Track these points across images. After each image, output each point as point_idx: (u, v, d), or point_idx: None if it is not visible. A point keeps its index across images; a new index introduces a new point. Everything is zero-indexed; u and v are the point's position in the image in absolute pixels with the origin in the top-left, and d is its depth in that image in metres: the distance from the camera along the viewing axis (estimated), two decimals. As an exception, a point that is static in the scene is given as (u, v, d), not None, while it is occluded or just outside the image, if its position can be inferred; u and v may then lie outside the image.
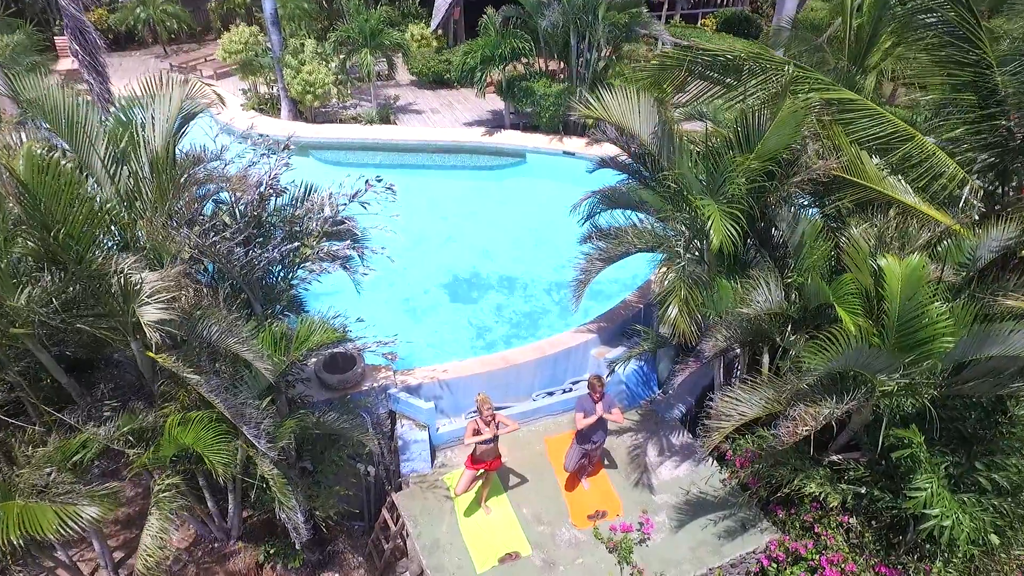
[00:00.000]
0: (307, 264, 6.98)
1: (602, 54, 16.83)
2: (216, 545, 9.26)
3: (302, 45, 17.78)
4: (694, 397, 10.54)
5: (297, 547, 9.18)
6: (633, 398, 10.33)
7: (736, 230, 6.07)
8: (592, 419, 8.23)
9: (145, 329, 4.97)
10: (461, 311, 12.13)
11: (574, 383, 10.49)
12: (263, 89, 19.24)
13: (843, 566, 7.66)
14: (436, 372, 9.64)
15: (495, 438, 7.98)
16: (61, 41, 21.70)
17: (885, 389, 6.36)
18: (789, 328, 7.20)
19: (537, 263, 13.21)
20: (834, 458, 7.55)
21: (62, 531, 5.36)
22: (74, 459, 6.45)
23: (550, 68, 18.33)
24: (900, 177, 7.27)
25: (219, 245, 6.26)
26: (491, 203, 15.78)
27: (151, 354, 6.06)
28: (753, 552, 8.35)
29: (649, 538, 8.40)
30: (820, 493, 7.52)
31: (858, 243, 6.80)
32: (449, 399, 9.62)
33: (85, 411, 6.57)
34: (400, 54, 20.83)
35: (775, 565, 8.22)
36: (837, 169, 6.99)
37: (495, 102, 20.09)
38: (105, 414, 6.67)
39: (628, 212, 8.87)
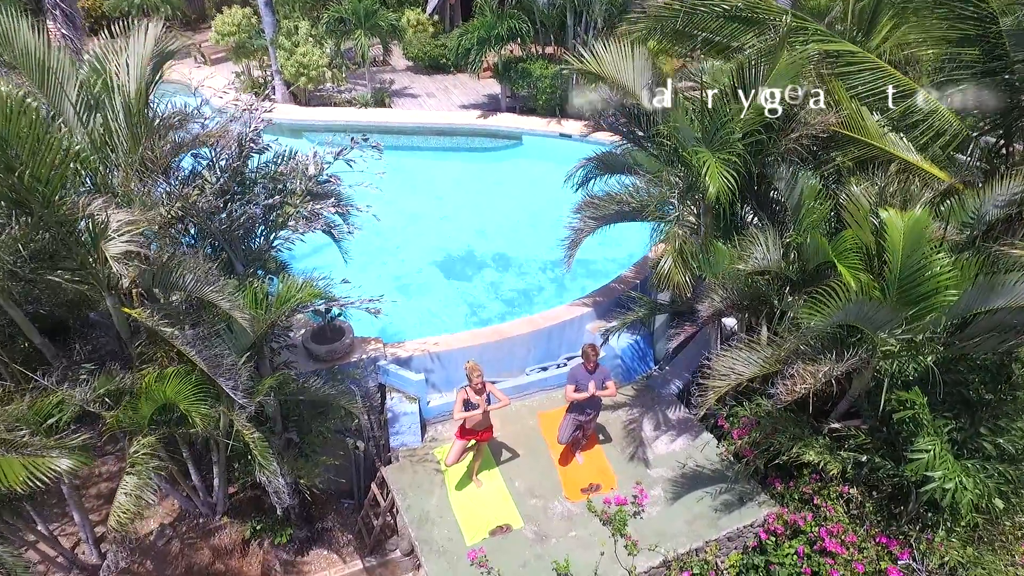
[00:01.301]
0: (291, 223, 6.77)
1: (600, 33, 16.60)
2: (201, 520, 9.05)
3: (296, 27, 17.56)
4: (691, 372, 10.33)
5: (283, 520, 9.00)
6: (629, 373, 10.12)
7: (733, 180, 5.85)
8: (584, 395, 8.02)
9: (112, 264, 4.75)
10: (455, 288, 11.92)
11: (569, 358, 10.27)
12: (257, 72, 19.03)
13: (843, 537, 7.45)
14: (427, 344, 9.43)
15: (487, 402, 7.79)
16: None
17: (887, 349, 6.15)
18: (787, 290, 6.99)
19: (533, 242, 13.00)
20: (834, 425, 7.33)
21: (31, 483, 5.14)
22: (49, 421, 6.25)
23: (547, 52, 18.12)
24: (902, 135, 7.05)
25: (198, 200, 6.05)
26: (487, 184, 15.58)
27: (127, 309, 5.86)
28: (751, 525, 8.15)
29: (644, 511, 8.15)
30: (819, 462, 7.30)
31: (859, 200, 6.58)
32: (440, 372, 9.41)
33: (60, 372, 6.35)
34: (396, 40, 20.63)
35: (773, 538, 8.00)
36: (836, 125, 6.77)
37: (491, 86, 19.89)
38: (82, 378, 6.47)
39: (623, 180, 8.66)
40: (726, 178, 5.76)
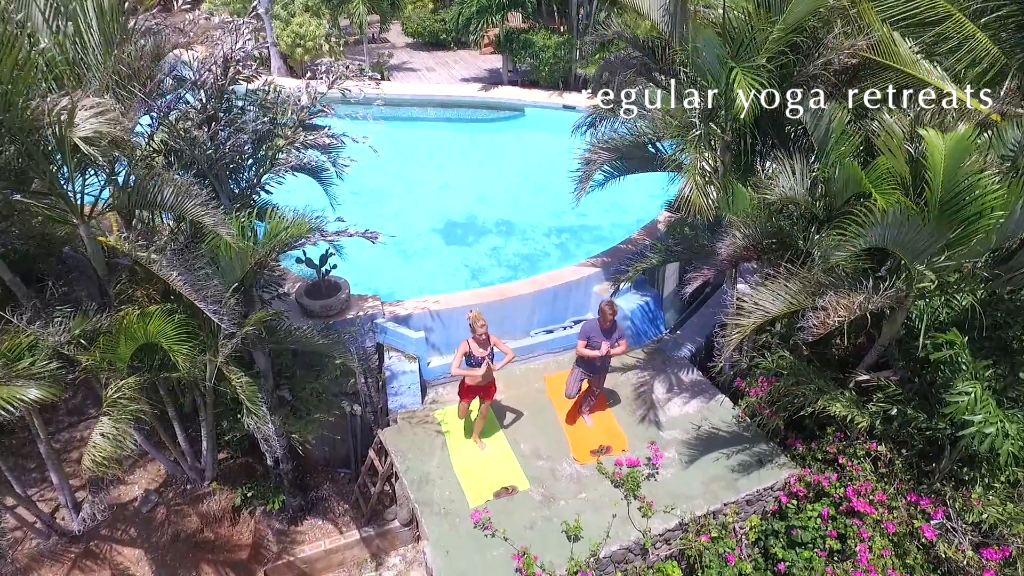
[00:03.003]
0: (281, 157, 6.30)
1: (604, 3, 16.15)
2: (189, 487, 8.58)
3: (292, -2, 17.12)
4: (704, 337, 9.88)
5: (276, 487, 8.54)
6: (639, 336, 9.66)
7: (757, 100, 5.39)
8: (596, 354, 7.59)
9: (79, 145, 4.27)
10: (455, 253, 11.45)
11: (576, 321, 9.80)
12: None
13: (871, 496, 6.99)
14: (427, 303, 8.95)
15: (488, 364, 7.31)
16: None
17: (923, 286, 5.69)
18: (813, 230, 6.52)
19: (536, 209, 12.56)
20: (863, 377, 6.86)
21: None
22: (22, 363, 5.77)
23: (549, 27, 17.67)
24: (935, 64, 6.59)
25: (179, 124, 5.58)
26: (488, 154, 15.13)
27: (102, 239, 5.39)
28: (771, 488, 7.68)
29: (658, 472, 7.72)
30: (847, 415, 6.83)
31: (891, 128, 6.13)
32: (441, 332, 8.93)
33: (32, 312, 5.87)
34: (395, 17, 20.18)
35: (795, 502, 7.54)
36: (865, 50, 6.31)
37: (492, 62, 19.47)
38: (56, 321, 6.00)
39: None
40: (755, 89, 5.30)
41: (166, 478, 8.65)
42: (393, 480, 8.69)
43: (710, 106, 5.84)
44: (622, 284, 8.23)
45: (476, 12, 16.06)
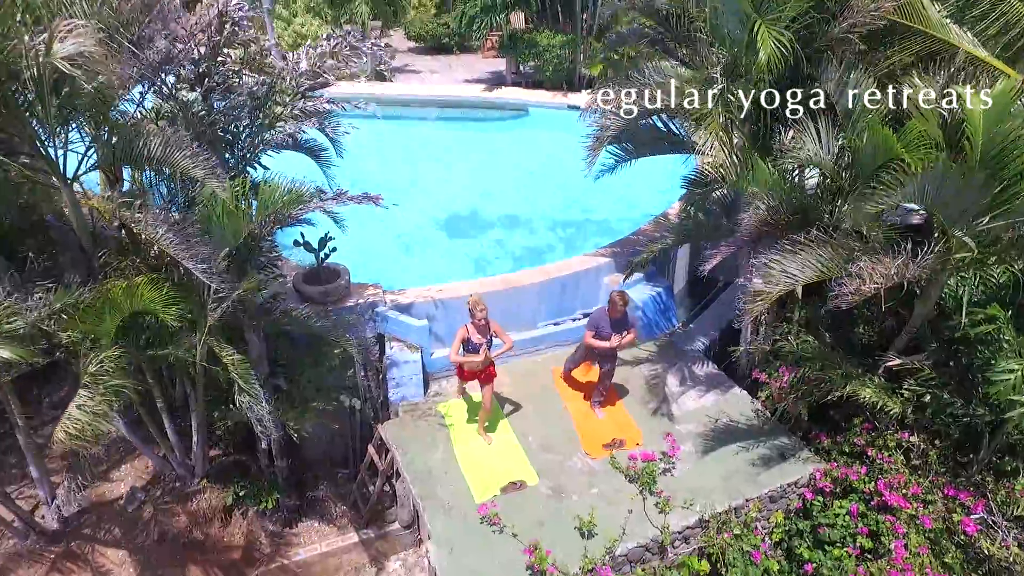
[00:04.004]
0: (279, 125, 5.97)
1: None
2: (177, 484, 8.11)
3: (294, -2, 17.01)
4: (718, 331, 9.48)
5: (271, 485, 8.09)
6: (651, 328, 9.26)
7: (782, 53, 5.07)
8: (604, 345, 7.26)
9: (60, 66, 3.91)
10: (459, 246, 11.10)
11: (585, 314, 9.40)
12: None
13: (905, 490, 6.54)
14: (430, 292, 8.57)
15: (487, 348, 6.97)
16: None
17: (963, 256, 5.32)
18: (839, 203, 6.17)
19: (541, 202, 12.23)
20: (893, 362, 6.45)
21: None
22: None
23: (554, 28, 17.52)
24: (965, 29, 6.28)
25: (173, 85, 5.26)
26: (493, 151, 14.86)
27: (86, 201, 5.03)
28: (795, 484, 7.23)
29: (675, 466, 7.28)
30: (877, 402, 6.42)
31: (923, 92, 5.80)
32: (445, 322, 8.53)
33: (10, 284, 5.48)
34: (397, 22, 20.09)
35: (820, 499, 7.09)
36: (891, 13, 6.01)
37: (495, 65, 19.33)
38: (36, 295, 5.61)
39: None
40: (779, 43, 4.98)
41: (154, 475, 8.18)
42: (394, 479, 8.24)
43: (730, 68, 5.51)
44: (635, 267, 7.84)
45: (480, 11, 15.88)
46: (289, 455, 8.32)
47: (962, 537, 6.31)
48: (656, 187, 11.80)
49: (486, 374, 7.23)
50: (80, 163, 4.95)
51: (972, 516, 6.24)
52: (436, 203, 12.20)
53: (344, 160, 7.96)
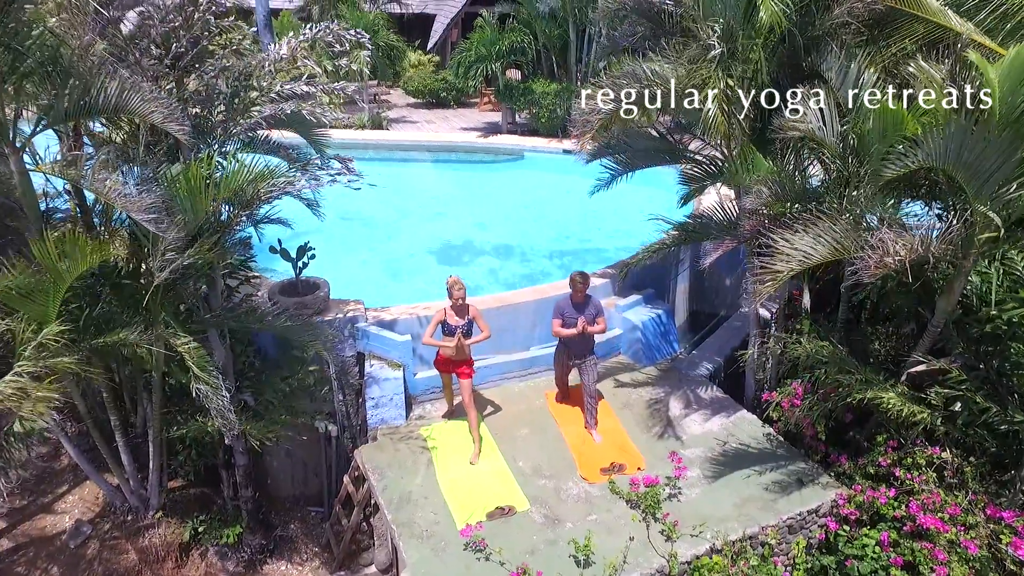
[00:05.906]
0: (255, 110, 5.68)
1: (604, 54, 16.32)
2: (129, 518, 7.30)
3: (294, 49, 17.34)
4: (723, 357, 8.91)
5: (234, 517, 7.30)
6: (651, 351, 8.69)
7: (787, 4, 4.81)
8: (572, 332, 6.86)
9: None
10: (450, 272, 10.66)
11: (581, 337, 8.86)
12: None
13: (943, 512, 5.80)
14: (416, 309, 8.07)
15: (466, 333, 6.60)
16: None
17: (989, 236, 4.88)
18: (846, 190, 5.79)
19: (536, 235, 11.94)
20: (918, 368, 5.87)
21: None
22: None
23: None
24: (964, 19, 6.12)
25: (140, 57, 4.98)
26: (488, 190, 14.76)
27: (38, 167, 4.63)
28: (815, 512, 6.47)
29: (681, 491, 6.55)
30: (902, 410, 5.79)
31: (928, 73, 5.54)
32: (430, 342, 7.96)
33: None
34: (396, 84, 20.52)
35: (846, 528, 6.32)
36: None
37: (491, 117, 19.60)
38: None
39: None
40: (780, 6, 4.74)
41: (104, 506, 7.39)
42: (372, 515, 7.45)
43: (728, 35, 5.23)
44: (633, 263, 7.46)
45: (476, 59, 16.18)
46: (256, 488, 7.57)
47: (1012, 566, 5.52)
48: (653, 224, 11.57)
49: (464, 368, 6.70)
50: (35, 126, 4.58)
51: None
52: (427, 233, 11.91)
53: (332, 197, 7.64)
